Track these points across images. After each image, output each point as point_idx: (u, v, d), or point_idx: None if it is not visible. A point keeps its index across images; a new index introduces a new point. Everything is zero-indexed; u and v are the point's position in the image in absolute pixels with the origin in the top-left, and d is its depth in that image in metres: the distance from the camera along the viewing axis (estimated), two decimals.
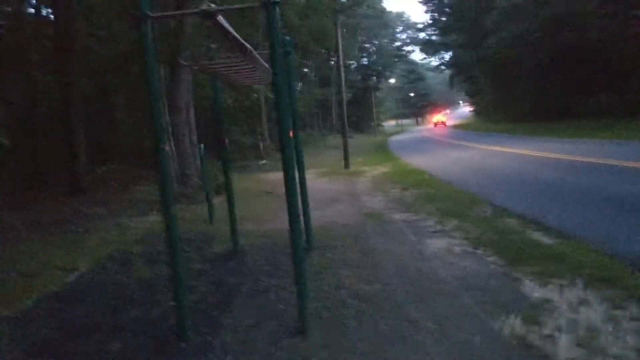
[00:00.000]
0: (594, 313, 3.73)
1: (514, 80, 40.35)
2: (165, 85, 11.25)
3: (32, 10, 20.01)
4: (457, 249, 5.96)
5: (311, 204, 9.71)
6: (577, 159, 13.30)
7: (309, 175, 16.25)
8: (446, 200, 9.38)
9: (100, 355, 3.67)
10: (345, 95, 23.82)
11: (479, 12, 43.11)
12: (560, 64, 31.93)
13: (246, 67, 4.41)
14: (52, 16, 16.92)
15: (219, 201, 9.68)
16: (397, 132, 66.96)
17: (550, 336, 3.41)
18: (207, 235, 7.74)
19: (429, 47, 66.73)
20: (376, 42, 72.84)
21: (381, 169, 17.11)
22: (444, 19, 56.37)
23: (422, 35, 70.34)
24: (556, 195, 8.77)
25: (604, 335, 3.34)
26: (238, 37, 3.77)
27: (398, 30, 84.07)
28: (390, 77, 78.12)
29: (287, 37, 6.30)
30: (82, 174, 13.09)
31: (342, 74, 21.27)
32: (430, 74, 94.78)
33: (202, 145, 9.42)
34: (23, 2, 16.96)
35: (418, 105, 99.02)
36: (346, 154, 19.15)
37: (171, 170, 10.93)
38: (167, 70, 11.42)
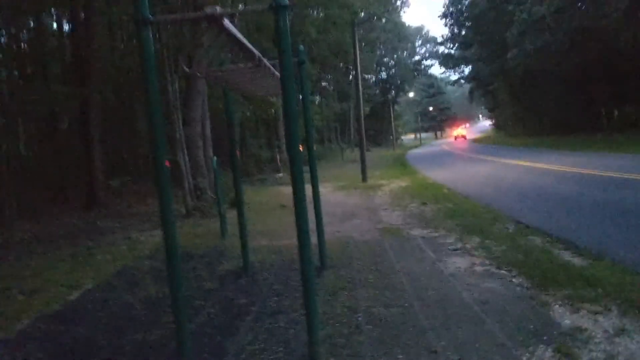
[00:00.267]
0: (634, 345, 3.37)
1: (535, 93, 39.78)
2: (181, 97, 11.14)
3: (55, 25, 20.31)
4: (479, 268, 5.62)
5: (327, 218, 9.45)
6: (605, 173, 12.82)
7: (326, 189, 16.08)
8: (466, 215, 9.02)
9: None
10: (364, 109, 23.60)
11: (499, 25, 42.69)
12: (584, 76, 31.36)
13: (256, 76, 4.17)
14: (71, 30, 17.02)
15: (233, 215, 9.44)
16: (415, 146, 66.49)
17: None
18: (219, 250, 7.50)
19: (448, 61, 66.28)
20: (395, 56, 72.69)
21: (399, 183, 16.75)
22: (463, 32, 55.99)
23: (441, 49, 69.95)
24: (584, 212, 8.37)
25: None
26: (246, 43, 3.54)
27: (417, 44, 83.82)
28: (409, 91, 77.81)
29: (301, 47, 6.07)
30: (99, 187, 13.01)
31: (360, 88, 21.05)
32: (449, 88, 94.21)
33: (215, 158, 9.21)
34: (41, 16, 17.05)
35: (437, 119, 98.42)
36: (364, 168, 18.85)
37: (185, 183, 10.76)
38: (182, 81, 11.32)
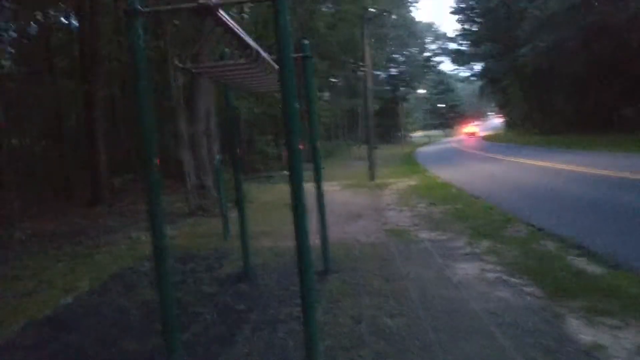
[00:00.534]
0: None
1: (547, 90, 39.23)
2: (186, 94, 10.93)
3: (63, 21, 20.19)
4: (490, 275, 5.37)
5: (332, 219, 9.21)
6: (622, 174, 12.46)
7: (333, 187, 15.85)
8: (477, 217, 8.77)
9: None
10: (373, 106, 23.31)
11: (511, 21, 42.19)
12: (597, 73, 30.85)
13: (256, 71, 3.93)
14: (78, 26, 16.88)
15: (237, 214, 9.26)
16: (425, 143, 65.95)
17: None
18: (220, 252, 7.29)
19: (459, 58, 65.68)
20: (405, 53, 72.15)
21: (408, 182, 16.48)
22: (475, 29, 55.46)
23: (452, 45, 69.34)
24: (599, 215, 8.09)
25: None
26: (243, 35, 3.31)
27: (427, 40, 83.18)
28: (419, 88, 77.24)
29: (306, 41, 5.84)
30: (103, 184, 12.87)
31: (369, 84, 20.77)
32: (460, 84, 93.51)
33: (218, 156, 9.01)
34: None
35: (447, 116, 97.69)
36: (371, 166, 18.59)
37: (188, 181, 10.58)
38: (187, 78, 11.11)
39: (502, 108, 67.60)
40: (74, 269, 6.47)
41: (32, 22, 18.00)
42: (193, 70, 3.76)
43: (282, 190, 15.75)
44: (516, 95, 51.96)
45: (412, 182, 16.22)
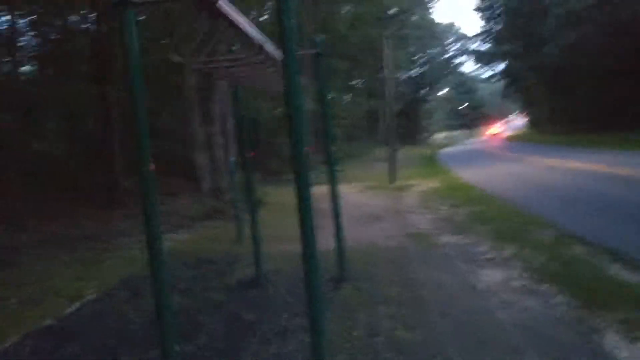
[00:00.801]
0: None
1: (572, 89, 38.29)
2: (200, 94, 10.75)
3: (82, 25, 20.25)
4: (516, 283, 5.03)
5: (350, 222, 8.92)
6: None
7: (353, 189, 15.54)
8: (500, 220, 8.37)
9: None
10: (394, 107, 22.95)
11: (534, 20, 41.36)
12: (623, 71, 29.96)
13: (261, 67, 3.66)
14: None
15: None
16: (447, 144, 65.13)
17: None
18: (233, 256, 7.03)
19: (481, 58, 64.76)
20: (426, 54, 71.47)
21: (429, 184, 16.08)
22: (497, 28, 54.61)
23: (474, 46, 68.44)
24: (631, 217, 7.61)
25: None
26: (245, 27, 3.04)
27: (448, 41, 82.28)
28: (440, 89, 76.47)
29: (319, 37, 5.56)
30: (117, 186, 12.75)
31: (389, 85, 20.43)
32: (482, 85, 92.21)
33: (233, 158, 8.77)
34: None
35: (470, 116, 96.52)
36: (392, 167, 18.24)
37: (203, 184, 10.38)
38: (202, 78, 10.92)
39: (525, 108, 66.47)
40: (81, 275, 6.27)
41: (51, 27, 18.08)
42: (192, 66, 3.51)
43: None
44: (539, 95, 51.03)
45: (434, 184, 15.82)
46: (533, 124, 62.86)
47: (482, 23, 58.09)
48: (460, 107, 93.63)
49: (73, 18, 18.63)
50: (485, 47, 61.64)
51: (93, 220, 10.71)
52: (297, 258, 6.64)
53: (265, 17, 20.17)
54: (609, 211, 8.28)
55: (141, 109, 2.98)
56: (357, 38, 35.35)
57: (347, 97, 42.03)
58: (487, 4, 53.12)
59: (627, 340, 3.48)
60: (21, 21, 16.70)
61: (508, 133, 66.87)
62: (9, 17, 15.12)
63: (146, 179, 3.04)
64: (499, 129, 71.24)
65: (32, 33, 17.96)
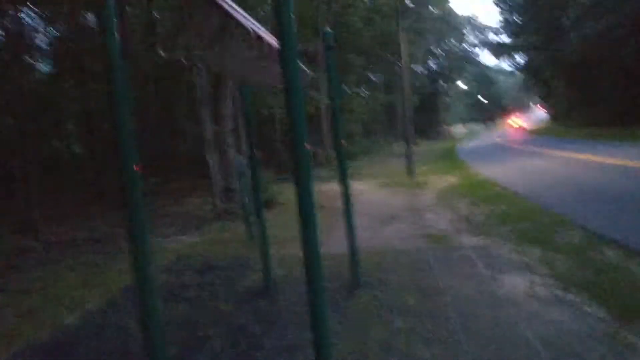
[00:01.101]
0: None
1: (595, 81, 37.36)
2: (210, 91, 10.48)
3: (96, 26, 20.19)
4: (542, 291, 4.67)
5: (365, 221, 8.64)
6: None
7: (368, 186, 15.21)
8: (524, 219, 7.98)
9: None
10: (411, 101, 22.52)
11: (554, 10, 40.46)
12: None
13: (260, 60, 3.36)
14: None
15: (268, 217, 8.74)
16: (466, 138, 64.31)
17: None
18: (243, 261, 6.77)
19: (500, 50, 63.73)
20: (444, 46, 70.61)
21: (448, 179, 15.67)
22: (516, 19, 53.63)
23: (492, 37, 67.37)
24: None
25: None
26: (239, 15, 2.74)
27: (467, 33, 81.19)
28: (459, 81, 75.51)
29: (328, 29, 5.25)
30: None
31: (406, 79, 20.01)
32: (501, 77, 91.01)
33: (241, 158, 8.51)
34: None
35: (489, 109, 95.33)
36: (410, 163, 17.85)
37: (216, 183, 10.14)
38: (212, 75, 10.68)
39: (546, 100, 65.34)
40: (86, 281, 6.07)
41: (65, 27, 18.05)
42: (184, 60, 3.23)
43: (315, 191, 15.23)
44: (560, 87, 50.05)
45: (453, 180, 15.41)
46: (554, 116, 61.78)
47: (501, 15, 57.30)
48: (479, 100, 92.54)
49: (87, 16, 18.62)
50: (504, 39, 60.71)
51: (105, 222, 10.55)
52: None
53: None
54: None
55: (124, 108, 2.70)
56: (373, 32, 34.93)
57: (364, 92, 41.61)
58: None
59: None
60: (36, 20, 16.72)
61: (528, 126, 65.76)
62: (23, 15, 15.12)
63: (131, 181, 2.76)
64: (518, 122, 70.07)
65: (47, 31, 18.00)
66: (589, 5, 31.89)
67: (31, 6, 15.16)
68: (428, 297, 4.77)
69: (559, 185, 11.75)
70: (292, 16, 2.48)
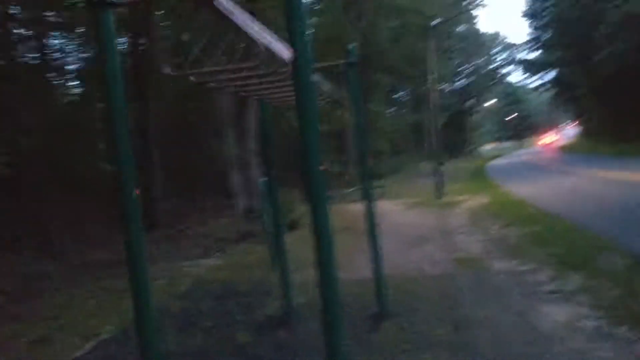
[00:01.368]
0: None
1: (627, 97, 36.42)
2: (234, 110, 10.35)
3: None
4: (587, 324, 4.26)
5: (392, 244, 8.26)
6: None
7: (397, 206, 14.81)
8: (560, 242, 7.51)
9: None
10: (439, 119, 22.16)
11: (585, 25, 39.70)
12: None
13: (273, 77, 3.11)
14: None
15: (292, 240, 8.45)
16: (496, 156, 63.19)
17: None
18: (265, 286, 6.48)
19: (530, 67, 62.86)
20: (472, 64, 70.10)
21: (479, 200, 15.17)
22: (546, 34, 52.89)
23: (521, 55, 66.57)
24: None
25: None
26: (250, 28, 2.50)
27: (494, 51, 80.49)
28: (487, 100, 74.68)
29: (352, 45, 5.00)
30: (154, 207, 12.48)
31: (434, 97, 19.69)
32: (531, 94, 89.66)
33: (263, 179, 8.26)
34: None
35: (519, 127, 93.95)
36: (439, 182, 17.42)
37: (239, 203, 9.93)
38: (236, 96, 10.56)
39: (577, 117, 64.05)
40: (102, 309, 5.87)
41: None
42: (192, 79, 3.00)
43: (341, 211, 14.87)
44: (591, 103, 48.98)
45: (484, 200, 14.91)
46: (585, 133, 60.38)
47: (529, 31, 56.62)
48: (508, 118, 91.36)
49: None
50: (533, 55, 59.89)
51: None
52: None
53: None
54: None
55: (122, 126, 2.49)
56: (400, 50, 34.75)
57: (392, 111, 41.38)
58: (535, 9, 51.71)
59: None
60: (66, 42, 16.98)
61: (560, 143, 64.46)
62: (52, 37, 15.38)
63: (130, 205, 2.54)
64: (549, 139, 68.75)
65: (75, 53, 18.25)
66: (623, 20, 31.16)
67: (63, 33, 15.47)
68: (460, 329, 4.42)
69: (596, 206, 11.19)
70: (306, 31, 2.23)
